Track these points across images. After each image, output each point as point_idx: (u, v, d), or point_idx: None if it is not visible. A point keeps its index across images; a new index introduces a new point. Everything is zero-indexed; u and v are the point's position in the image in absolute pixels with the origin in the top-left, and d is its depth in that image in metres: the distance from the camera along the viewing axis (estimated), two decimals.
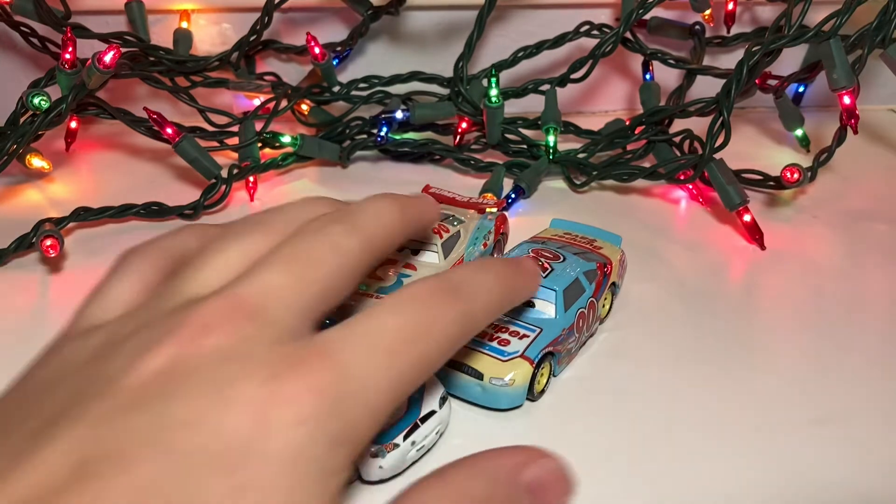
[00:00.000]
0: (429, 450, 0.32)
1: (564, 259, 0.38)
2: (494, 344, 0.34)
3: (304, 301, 0.21)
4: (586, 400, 0.36)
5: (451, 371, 0.35)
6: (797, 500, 0.31)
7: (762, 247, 0.48)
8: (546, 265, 0.38)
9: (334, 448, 0.18)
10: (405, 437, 0.30)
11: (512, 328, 0.35)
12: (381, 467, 0.30)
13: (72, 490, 0.16)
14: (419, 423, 0.31)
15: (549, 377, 0.36)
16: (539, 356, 0.34)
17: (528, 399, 0.35)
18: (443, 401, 0.32)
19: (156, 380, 0.18)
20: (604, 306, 0.40)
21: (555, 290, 0.36)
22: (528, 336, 0.35)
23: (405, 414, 0.31)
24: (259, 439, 0.17)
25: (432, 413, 0.31)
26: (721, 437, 0.33)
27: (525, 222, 0.50)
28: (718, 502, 0.30)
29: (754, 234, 0.49)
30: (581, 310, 0.37)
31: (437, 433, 0.32)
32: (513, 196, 0.53)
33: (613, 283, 0.40)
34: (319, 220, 0.23)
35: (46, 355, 0.23)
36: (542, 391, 0.36)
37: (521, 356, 0.34)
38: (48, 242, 0.43)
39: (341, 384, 0.19)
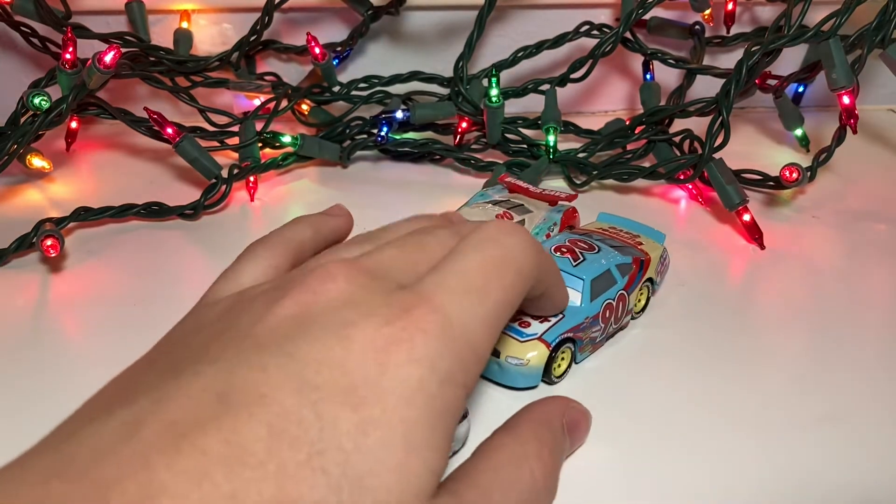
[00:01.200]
0: None
1: (599, 250, 0.39)
2: (515, 325, 0.36)
3: (415, 268, 0.23)
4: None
5: None
6: (799, 497, 0.31)
7: (762, 246, 0.48)
8: (578, 255, 0.39)
9: (446, 386, 0.20)
10: None
11: None
12: None
13: (214, 419, 0.17)
14: None
15: (569, 363, 0.37)
16: (557, 340, 0.35)
17: (545, 382, 0.36)
18: (461, 419, 0.31)
19: (286, 323, 0.20)
20: (638, 301, 0.41)
21: (582, 279, 0.37)
22: (548, 320, 0.36)
23: None
24: (379, 375, 0.19)
25: None
26: (721, 436, 0.33)
27: None
28: (721, 500, 0.30)
29: (754, 233, 0.49)
30: (609, 301, 0.38)
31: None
32: None
33: (650, 279, 0.41)
34: (424, 225, 0.27)
35: (182, 320, 0.25)
36: (562, 376, 0.36)
37: (539, 339, 0.35)
38: (48, 242, 0.43)
39: (445, 325, 0.20)
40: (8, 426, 0.33)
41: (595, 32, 0.59)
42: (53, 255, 0.44)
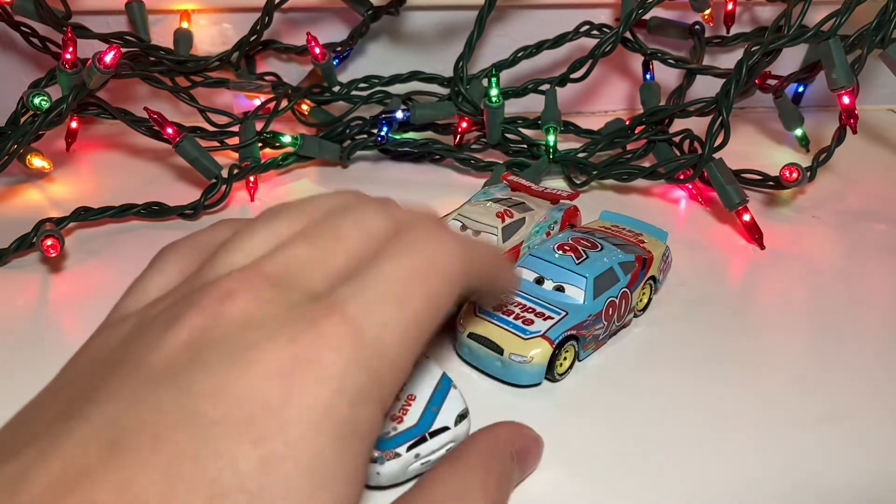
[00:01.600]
0: None
1: (602, 248, 0.40)
2: (518, 322, 0.36)
3: (329, 269, 0.21)
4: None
5: (474, 344, 0.36)
6: (800, 497, 0.31)
7: (762, 246, 0.48)
8: (581, 252, 0.39)
9: (358, 406, 0.18)
10: (409, 448, 0.29)
11: (538, 309, 0.37)
12: (378, 473, 0.29)
13: (105, 468, 0.16)
14: (428, 436, 0.30)
15: (572, 360, 0.37)
16: (560, 338, 0.35)
17: (548, 379, 0.36)
18: (460, 418, 0.31)
19: (182, 352, 0.18)
20: (641, 299, 0.41)
21: (585, 277, 0.37)
22: (552, 318, 0.36)
23: (416, 424, 0.30)
24: (283, 403, 0.17)
25: (445, 429, 0.30)
26: (723, 436, 0.33)
27: None
28: (723, 500, 0.30)
29: (754, 233, 0.49)
30: (612, 298, 0.38)
31: (446, 450, 0.30)
32: None
33: (653, 277, 0.41)
34: (349, 203, 0.23)
35: (83, 346, 0.23)
36: (565, 373, 0.37)
37: (542, 336, 0.35)
38: (48, 242, 0.43)
39: (357, 340, 0.19)
40: None
41: (595, 32, 0.59)
42: (53, 255, 0.44)
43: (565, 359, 0.36)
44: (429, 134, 0.60)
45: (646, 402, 0.35)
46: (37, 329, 0.41)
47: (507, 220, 0.43)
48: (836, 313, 0.42)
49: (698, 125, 0.55)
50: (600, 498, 0.30)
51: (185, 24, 0.62)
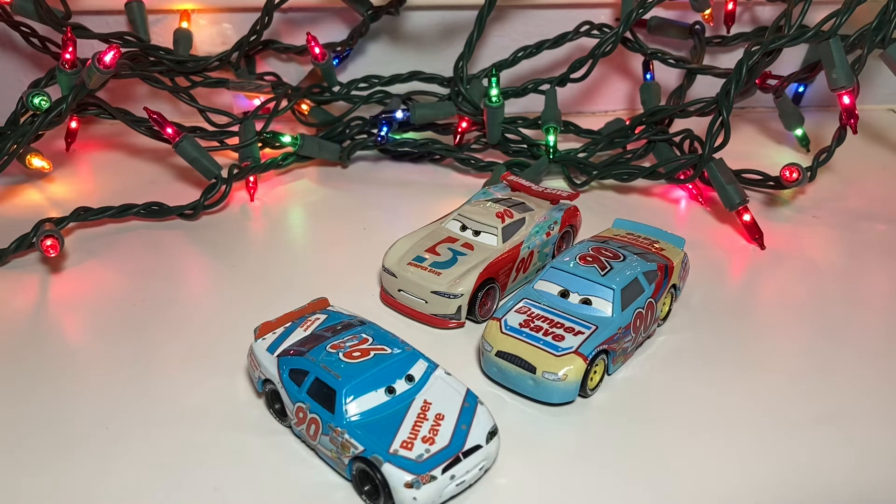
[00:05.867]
0: (470, 486, 0.31)
1: (625, 258, 0.39)
2: (549, 339, 0.34)
3: None
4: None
5: (503, 362, 0.35)
6: (800, 497, 0.31)
7: (762, 246, 0.48)
8: (605, 263, 0.38)
9: None
10: (444, 470, 0.29)
11: (566, 324, 0.35)
12: (414, 499, 0.28)
13: None
14: (461, 456, 0.29)
15: (602, 375, 0.36)
16: (593, 353, 0.34)
17: (579, 395, 0.35)
18: (491, 435, 0.31)
19: None
20: (663, 309, 0.40)
21: (612, 289, 0.36)
22: (582, 333, 0.35)
23: (448, 445, 0.30)
24: None
25: (477, 448, 0.30)
26: (724, 437, 0.33)
27: None
28: (724, 501, 0.30)
29: (754, 233, 0.49)
30: (639, 310, 0.37)
31: (480, 469, 0.30)
32: None
33: (674, 286, 0.40)
34: None
35: None
36: (595, 388, 0.36)
37: (575, 352, 0.34)
38: (48, 242, 0.43)
39: None
40: (9, 425, 0.33)
41: (595, 32, 0.59)
42: (53, 255, 0.44)
43: (595, 373, 0.35)
44: (429, 134, 0.60)
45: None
46: (37, 329, 0.41)
47: (507, 220, 0.43)
48: (836, 314, 0.42)
49: (698, 125, 0.55)
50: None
51: (184, 24, 0.62)
